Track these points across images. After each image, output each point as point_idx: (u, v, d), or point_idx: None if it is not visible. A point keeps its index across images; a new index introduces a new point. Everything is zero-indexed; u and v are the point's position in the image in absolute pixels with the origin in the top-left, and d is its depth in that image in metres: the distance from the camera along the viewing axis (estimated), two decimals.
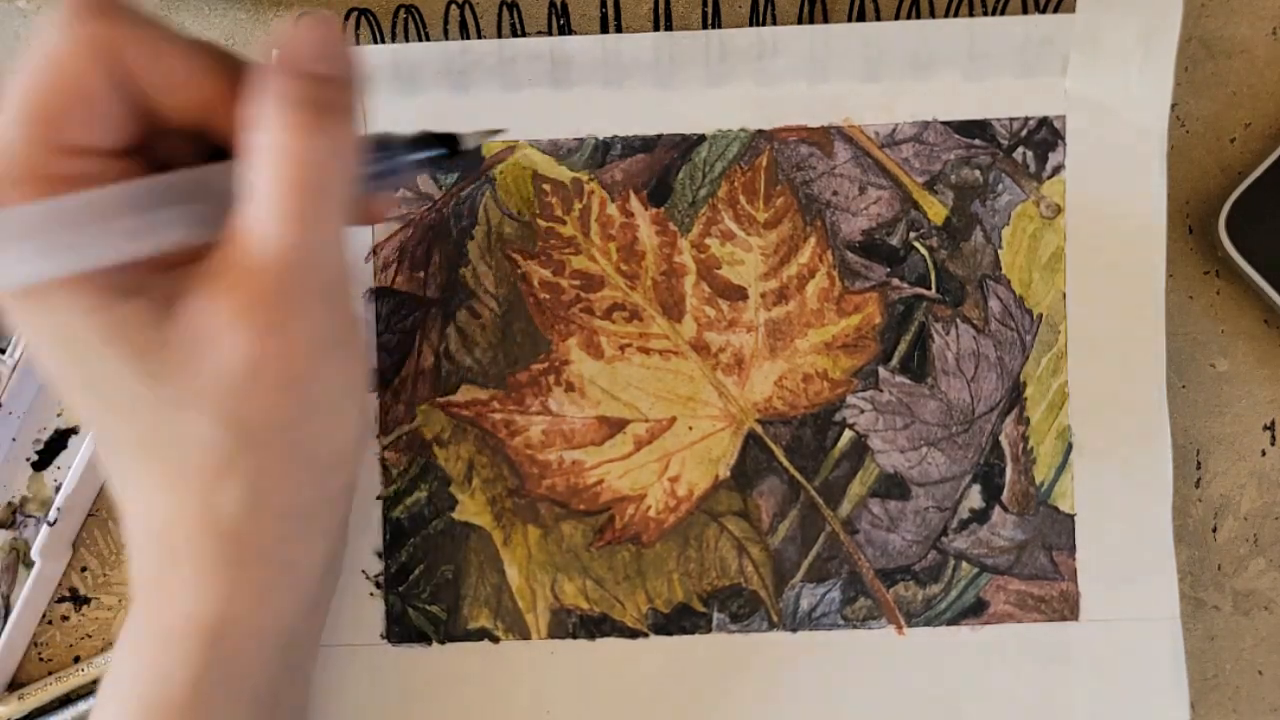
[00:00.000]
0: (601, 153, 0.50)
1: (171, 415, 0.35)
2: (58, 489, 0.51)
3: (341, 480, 0.41)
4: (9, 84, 0.33)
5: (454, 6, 0.51)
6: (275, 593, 0.39)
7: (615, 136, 0.50)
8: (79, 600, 0.52)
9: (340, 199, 0.35)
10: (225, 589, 0.38)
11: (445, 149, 0.42)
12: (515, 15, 0.51)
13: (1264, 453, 0.51)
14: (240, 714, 0.40)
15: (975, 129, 0.49)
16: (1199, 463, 0.51)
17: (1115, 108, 0.49)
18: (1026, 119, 0.49)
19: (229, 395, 0.35)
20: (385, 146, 0.41)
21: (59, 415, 0.52)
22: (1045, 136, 0.49)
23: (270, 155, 0.33)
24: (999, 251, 0.49)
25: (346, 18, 0.51)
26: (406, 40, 0.51)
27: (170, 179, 0.34)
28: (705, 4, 0.51)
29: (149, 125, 0.36)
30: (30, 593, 0.50)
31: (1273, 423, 0.51)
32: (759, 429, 0.50)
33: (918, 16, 0.50)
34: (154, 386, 0.34)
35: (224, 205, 0.34)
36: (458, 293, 0.50)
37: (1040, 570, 0.49)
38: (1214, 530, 0.51)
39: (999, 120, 0.49)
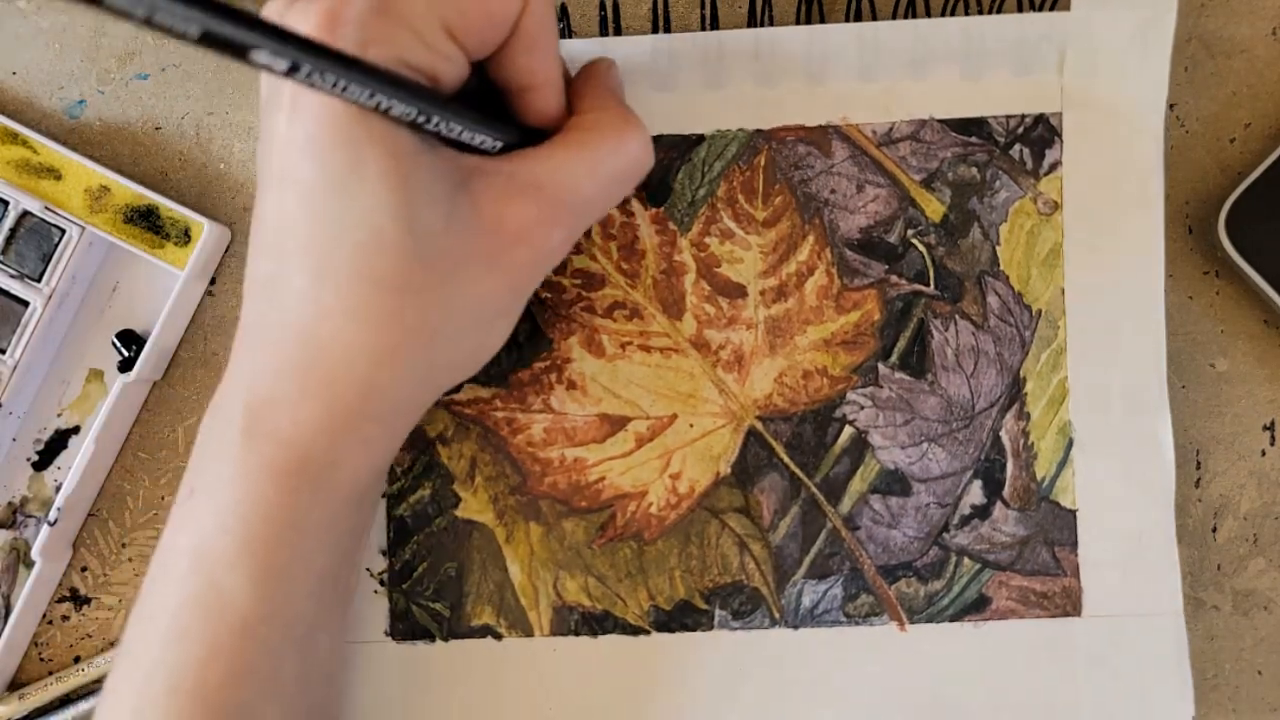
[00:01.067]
0: None
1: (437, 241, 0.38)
2: (58, 489, 0.51)
3: (473, 368, 0.44)
4: None
5: None
6: (377, 443, 0.41)
7: None
8: (79, 600, 0.52)
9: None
10: (341, 424, 0.39)
11: None
12: None
13: (1264, 453, 0.51)
14: (330, 540, 0.42)
15: (972, 127, 0.49)
16: (1199, 463, 0.51)
17: (1112, 104, 0.49)
18: (1023, 116, 0.49)
19: (497, 258, 0.39)
20: None
21: (59, 415, 0.52)
22: (1042, 134, 0.49)
23: (604, 130, 0.42)
24: (997, 248, 0.49)
25: None
26: None
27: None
28: (703, 5, 0.51)
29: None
30: (30, 593, 0.50)
31: (1273, 423, 0.51)
32: (759, 426, 0.50)
33: (914, 16, 0.50)
34: (418, 210, 0.37)
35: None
36: None
37: (1042, 566, 0.49)
38: (1214, 530, 0.51)
39: (996, 118, 0.49)
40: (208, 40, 0.30)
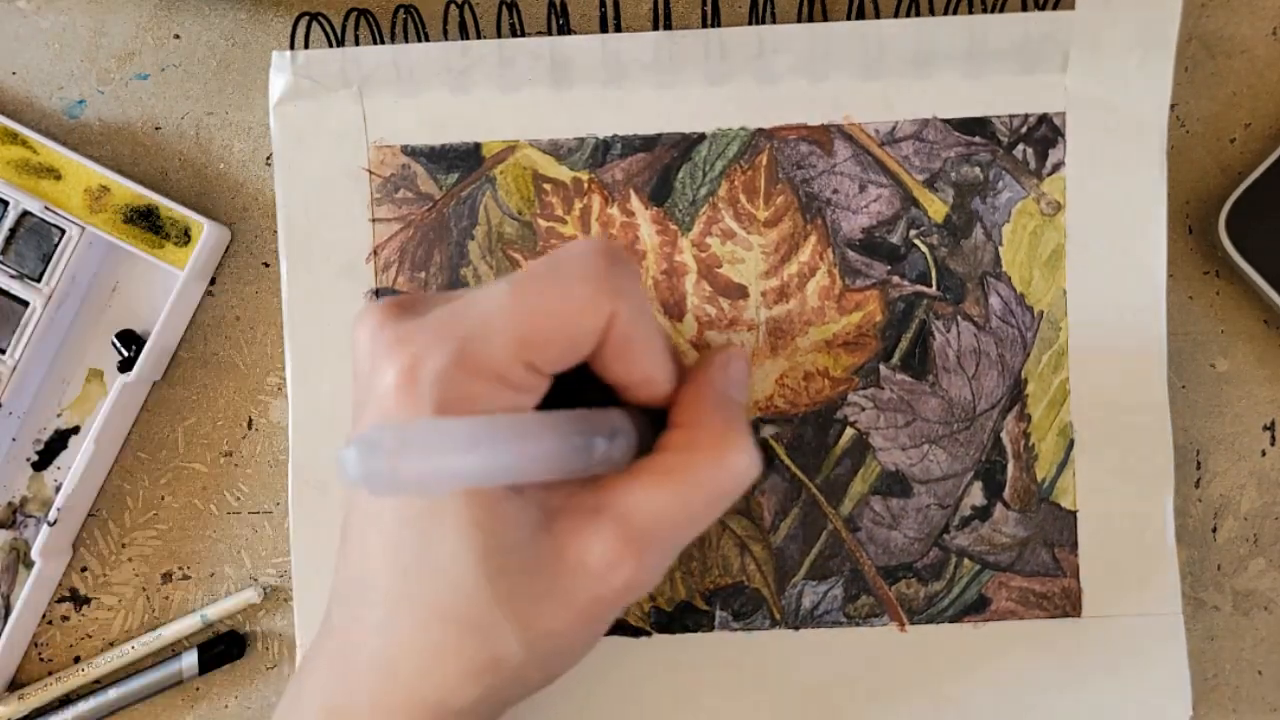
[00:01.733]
0: (601, 152, 0.50)
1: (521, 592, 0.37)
2: (58, 489, 0.51)
3: (545, 685, 0.42)
4: (522, 285, 0.37)
5: (453, 6, 0.51)
6: None
7: (615, 136, 0.50)
8: (79, 600, 0.52)
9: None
10: None
11: None
12: (515, 15, 0.51)
13: (1264, 453, 0.51)
14: None
15: (975, 126, 0.49)
16: (1199, 463, 0.51)
17: (1115, 104, 0.49)
18: (1026, 116, 0.49)
19: (577, 595, 0.38)
20: None
21: (59, 415, 0.52)
22: (1045, 133, 0.49)
23: (699, 452, 0.39)
24: (999, 249, 0.49)
25: (346, 18, 0.51)
26: (406, 40, 0.51)
27: (586, 414, 0.38)
28: (705, 3, 0.51)
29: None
30: (30, 593, 0.50)
31: (1273, 423, 0.51)
32: (761, 427, 0.50)
33: (917, 14, 0.50)
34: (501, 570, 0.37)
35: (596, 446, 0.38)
36: None
37: (1042, 567, 0.49)
38: (1214, 530, 0.51)
39: (999, 118, 0.49)
40: None
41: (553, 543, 0.37)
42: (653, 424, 0.41)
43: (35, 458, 0.52)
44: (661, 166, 0.50)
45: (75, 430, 0.52)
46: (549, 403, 0.38)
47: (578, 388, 0.39)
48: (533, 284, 0.37)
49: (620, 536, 0.37)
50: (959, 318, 0.49)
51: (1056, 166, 0.49)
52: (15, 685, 0.52)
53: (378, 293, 0.50)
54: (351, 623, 0.39)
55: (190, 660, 0.51)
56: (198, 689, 0.52)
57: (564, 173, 0.50)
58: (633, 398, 0.40)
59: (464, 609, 0.37)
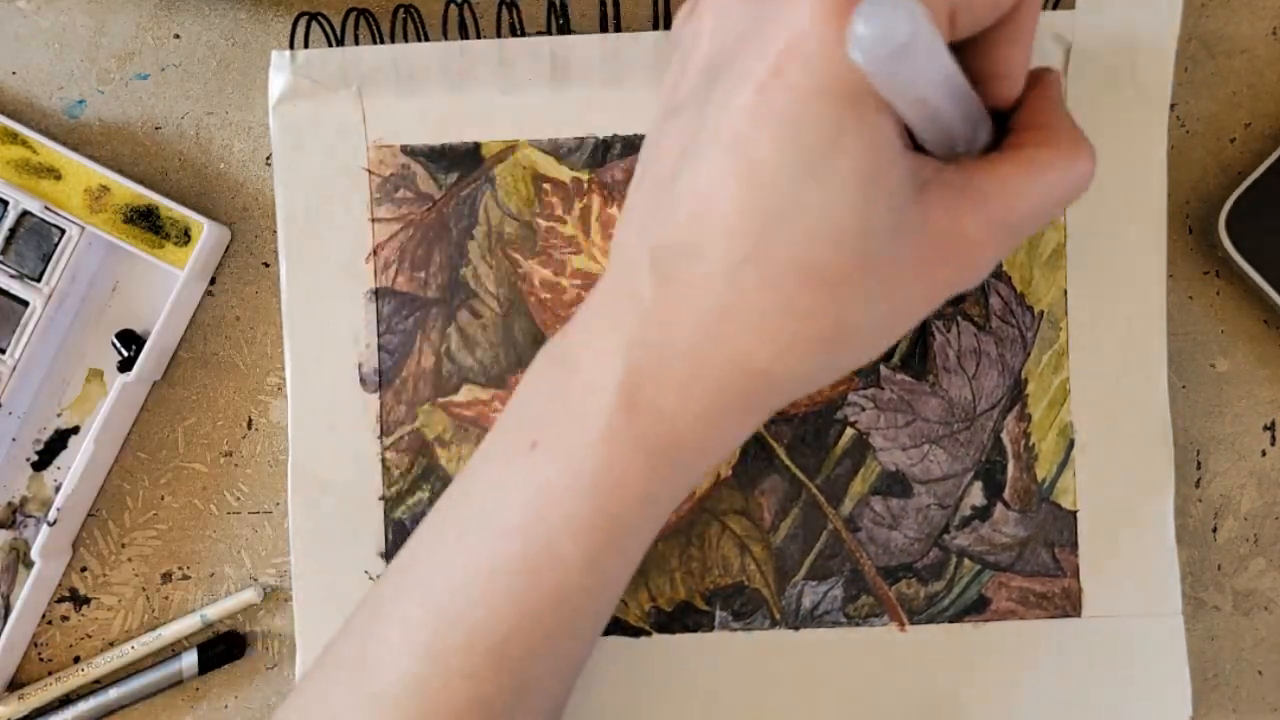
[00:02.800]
0: (602, 152, 0.50)
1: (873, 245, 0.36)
2: (58, 489, 0.51)
3: (851, 369, 0.42)
4: None
5: (453, 6, 0.51)
6: (743, 428, 0.40)
7: (615, 136, 0.50)
8: (79, 600, 0.52)
9: None
10: (722, 413, 0.38)
11: None
12: (514, 15, 0.51)
13: (1264, 453, 0.51)
14: (662, 520, 0.41)
15: None
16: (1199, 463, 0.51)
17: (1115, 104, 0.49)
18: None
19: (931, 270, 0.37)
20: None
21: (59, 415, 0.52)
22: None
23: (1058, 149, 0.39)
24: None
25: (346, 17, 0.51)
26: (406, 40, 0.51)
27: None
28: None
29: None
30: (30, 593, 0.50)
31: (1273, 423, 0.51)
32: (760, 427, 0.50)
33: None
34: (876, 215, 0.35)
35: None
36: (459, 293, 0.50)
37: (1042, 567, 0.49)
38: (1214, 530, 0.51)
39: None
40: None
41: (922, 211, 0.36)
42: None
43: (35, 458, 0.52)
44: None
45: (75, 430, 0.52)
46: None
47: None
48: None
49: (982, 218, 0.37)
50: (959, 318, 0.49)
51: None
52: (15, 685, 0.52)
53: (377, 293, 0.50)
54: (668, 276, 0.37)
55: (190, 660, 0.51)
56: (198, 689, 0.52)
57: (564, 172, 0.50)
58: (989, 93, 0.39)
59: (830, 262, 0.35)
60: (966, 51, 0.38)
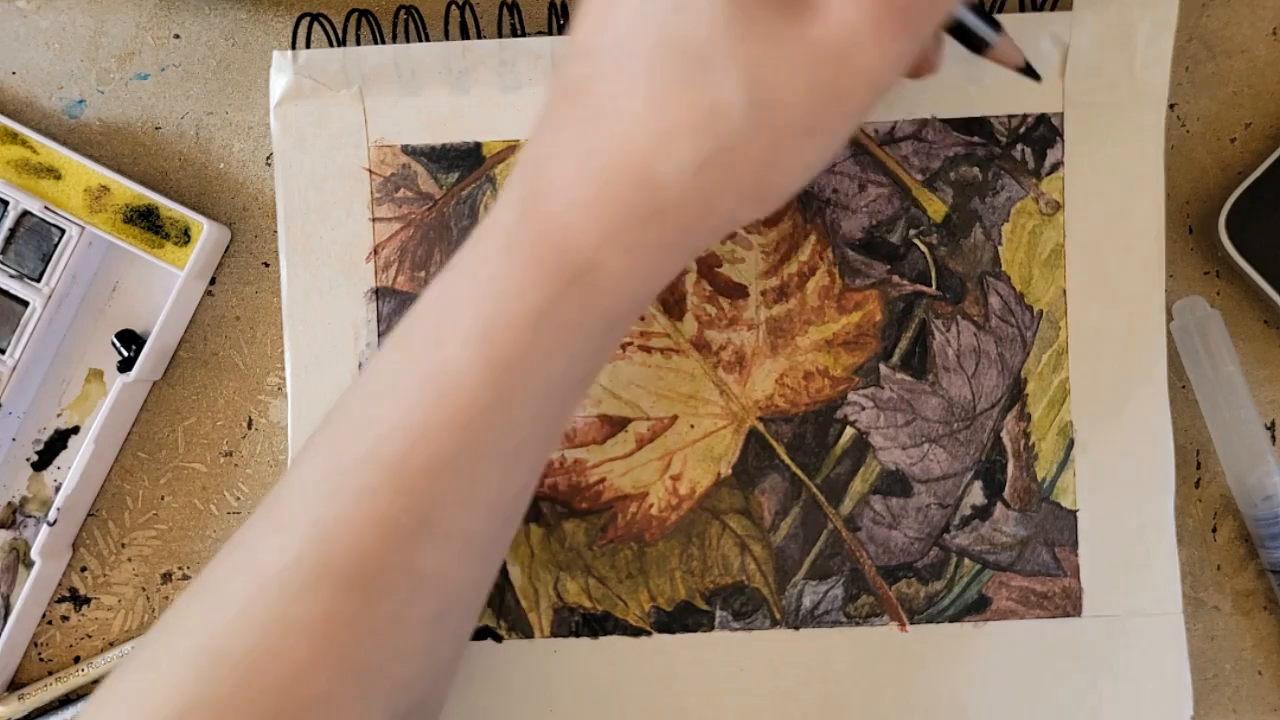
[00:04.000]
0: None
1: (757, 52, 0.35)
2: (58, 489, 0.51)
3: (761, 197, 0.39)
4: None
5: (454, 7, 0.51)
6: (650, 251, 0.38)
7: None
8: (79, 600, 0.52)
9: None
10: (618, 220, 0.37)
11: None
12: (515, 15, 0.51)
13: None
14: (571, 350, 0.39)
15: (974, 126, 0.49)
16: (1199, 463, 0.51)
17: (1113, 104, 0.49)
18: (1025, 116, 0.49)
19: (815, 67, 0.35)
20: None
21: (59, 415, 0.52)
22: (1044, 133, 0.49)
23: None
24: (999, 248, 0.49)
25: (347, 18, 0.51)
26: (406, 40, 0.51)
27: None
28: None
29: None
30: (30, 593, 0.50)
31: (1273, 423, 0.51)
32: (760, 427, 0.50)
33: None
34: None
35: None
36: None
37: (1042, 566, 0.49)
38: (1214, 530, 0.51)
39: (998, 117, 0.49)
40: None
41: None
42: None
43: (35, 458, 0.52)
44: None
45: (75, 430, 0.52)
46: None
47: None
48: None
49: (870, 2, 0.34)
50: (958, 317, 0.49)
51: (1055, 166, 0.49)
52: (15, 685, 0.52)
53: (378, 293, 0.50)
54: (570, 84, 0.37)
55: None
56: None
57: None
58: None
59: (691, 38, 0.35)
60: None
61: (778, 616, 0.50)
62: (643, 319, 0.50)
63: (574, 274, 0.37)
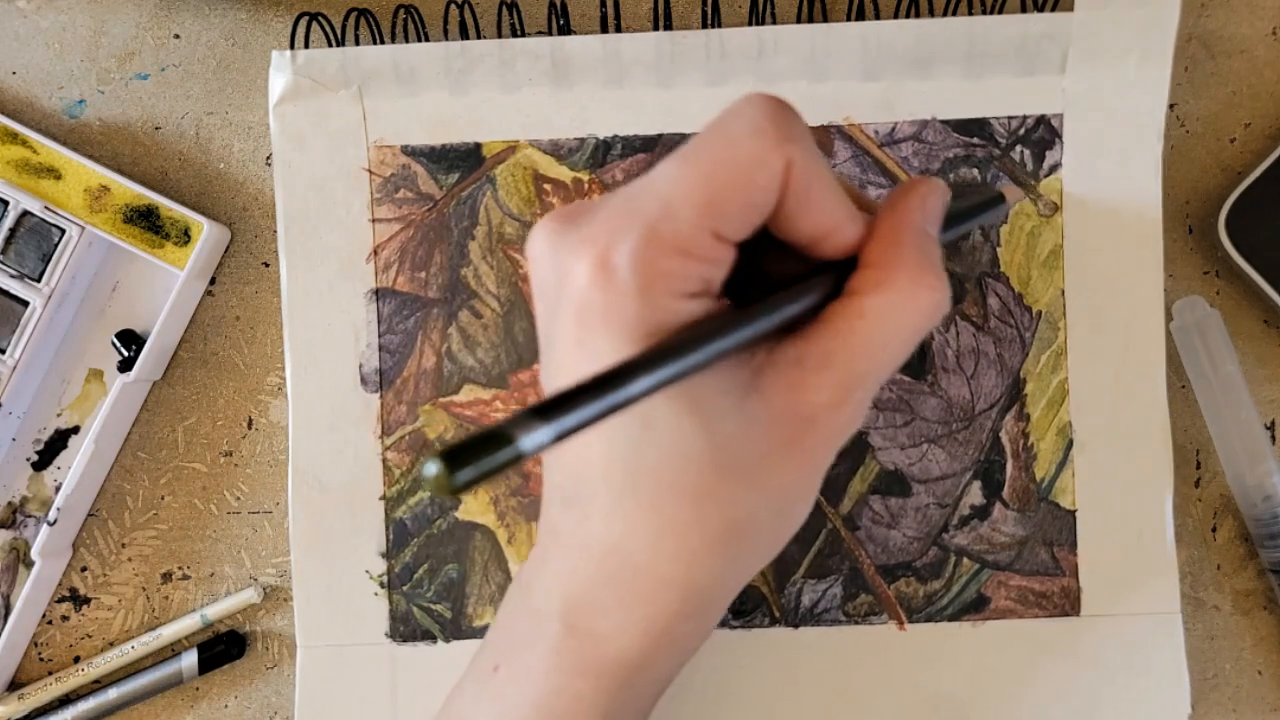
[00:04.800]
0: (602, 152, 0.50)
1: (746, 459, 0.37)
2: (58, 489, 0.51)
3: (778, 547, 0.41)
4: (693, 155, 0.36)
5: (453, 6, 0.51)
6: (688, 640, 0.40)
7: (616, 136, 0.50)
8: (79, 600, 0.52)
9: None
10: (660, 629, 0.38)
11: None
12: (515, 15, 0.51)
13: None
14: None
15: (974, 127, 0.49)
16: (1199, 463, 0.51)
17: (1113, 106, 0.49)
18: (1025, 117, 0.49)
19: (797, 446, 0.37)
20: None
21: (59, 415, 0.52)
22: (1043, 135, 0.49)
23: (892, 292, 0.37)
24: (997, 249, 0.49)
25: (346, 18, 0.51)
26: (406, 40, 0.51)
27: (778, 300, 0.37)
28: (705, 3, 0.51)
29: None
30: (30, 593, 0.50)
31: (1273, 423, 0.51)
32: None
33: (916, 15, 0.50)
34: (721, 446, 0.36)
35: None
36: (459, 293, 0.50)
37: (1041, 566, 0.49)
38: (1214, 530, 0.51)
39: (997, 119, 0.49)
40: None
41: (762, 399, 0.37)
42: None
43: (35, 458, 0.52)
44: None
45: (75, 430, 0.52)
46: (736, 276, 0.37)
47: (762, 256, 0.39)
48: (703, 151, 0.36)
49: (826, 383, 0.37)
50: (957, 318, 0.49)
51: (1054, 168, 0.49)
52: (15, 685, 0.52)
53: (378, 293, 0.50)
54: (577, 523, 0.38)
55: (190, 660, 0.51)
56: (198, 689, 0.52)
57: (564, 173, 0.50)
58: (821, 253, 0.38)
59: (693, 481, 0.36)
60: (776, 230, 0.38)
61: (777, 615, 0.50)
62: None
63: (628, 680, 0.39)
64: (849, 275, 0.38)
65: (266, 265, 0.52)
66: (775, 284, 0.37)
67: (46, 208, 0.50)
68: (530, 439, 0.27)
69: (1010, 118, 0.49)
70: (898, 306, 0.37)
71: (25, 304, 0.50)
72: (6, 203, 0.50)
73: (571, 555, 0.39)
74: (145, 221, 0.50)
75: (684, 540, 0.37)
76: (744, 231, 0.36)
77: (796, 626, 0.50)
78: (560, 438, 0.28)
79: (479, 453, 0.26)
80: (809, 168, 0.36)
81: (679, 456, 0.36)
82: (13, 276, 0.50)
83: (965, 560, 0.50)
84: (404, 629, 0.50)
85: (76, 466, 0.50)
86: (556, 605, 0.39)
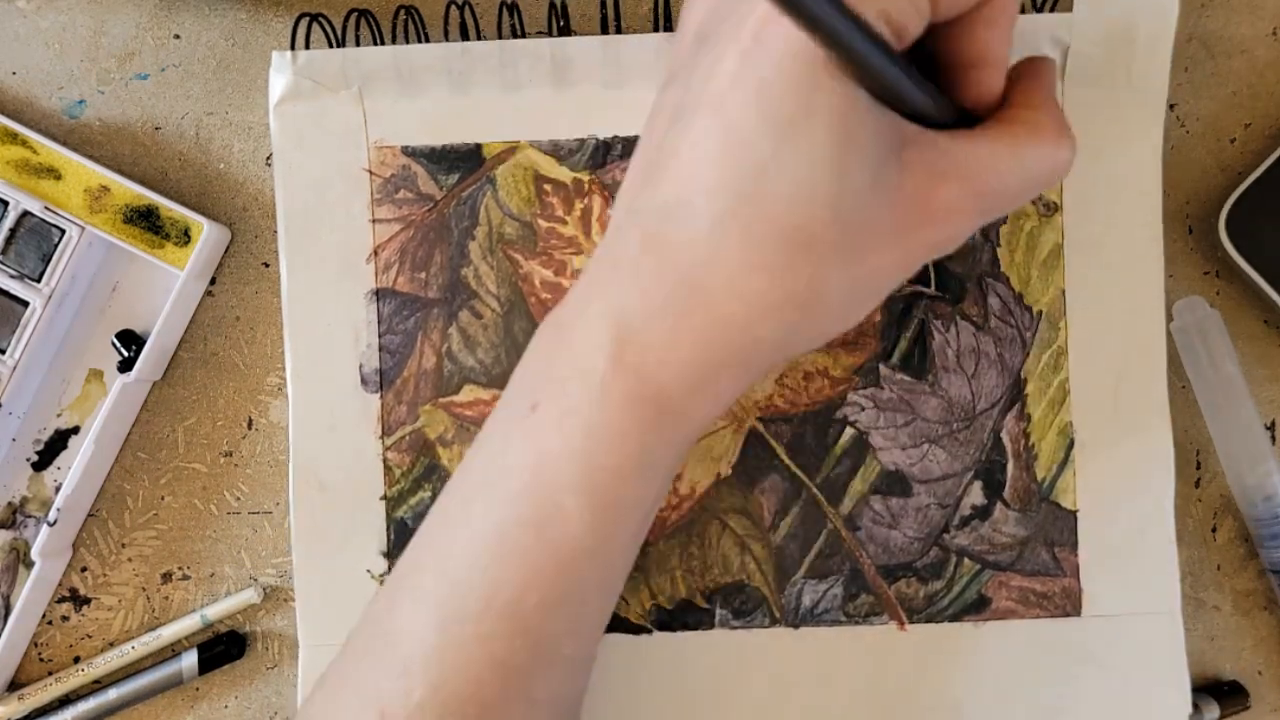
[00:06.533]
0: (602, 153, 0.50)
1: (850, 204, 0.36)
2: (58, 489, 0.51)
3: (823, 340, 0.41)
4: None
5: (454, 7, 0.51)
6: (724, 393, 0.40)
7: (616, 137, 0.50)
8: (79, 600, 0.52)
9: None
10: (703, 373, 0.38)
11: None
12: (515, 16, 0.51)
13: None
14: (660, 483, 0.41)
15: None
16: (1199, 463, 0.51)
17: (1112, 106, 0.49)
18: None
19: (908, 233, 0.38)
20: None
21: (59, 415, 0.52)
22: None
23: (1042, 131, 0.39)
24: (997, 249, 0.49)
25: (347, 18, 0.51)
26: (407, 41, 0.51)
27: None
28: None
29: None
30: (30, 593, 0.50)
31: (1273, 423, 0.51)
32: (760, 427, 0.50)
33: None
34: (851, 177, 0.36)
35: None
36: (459, 293, 0.50)
37: (1042, 566, 0.49)
38: (1214, 530, 0.51)
39: None
40: None
41: (899, 170, 0.37)
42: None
43: (35, 458, 0.52)
44: None
45: (75, 430, 0.52)
46: None
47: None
48: None
49: (961, 183, 0.37)
50: (958, 318, 0.49)
51: None
52: (15, 685, 0.52)
53: (378, 294, 0.50)
54: (656, 235, 0.38)
55: (190, 660, 0.51)
56: (198, 689, 0.52)
57: (565, 173, 0.50)
58: (970, 87, 0.40)
59: (805, 221, 0.36)
60: (948, 37, 0.39)
61: (777, 615, 0.50)
62: None
63: (666, 422, 0.39)
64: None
65: (266, 265, 0.52)
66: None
67: (46, 208, 0.50)
68: None
69: None
70: (1043, 149, 0.39)
71: (25, 304, 0.50)
72: (6, 203, 0.50)
73: (633, 276, 0.38)
74: (145, 222, 0.50)
75: (769, 291, 0.37)
76: (953, 10, 0.37)
77: (797, 627, 0.50)
78: None
79: None
80: None
81: (808, 192, 0.35)
82: (13, 277, 0.50)
83: (966, 561, 0.50)
84: None
85: (76, 466, 0.50)
86: (604, 340, 0.38)
